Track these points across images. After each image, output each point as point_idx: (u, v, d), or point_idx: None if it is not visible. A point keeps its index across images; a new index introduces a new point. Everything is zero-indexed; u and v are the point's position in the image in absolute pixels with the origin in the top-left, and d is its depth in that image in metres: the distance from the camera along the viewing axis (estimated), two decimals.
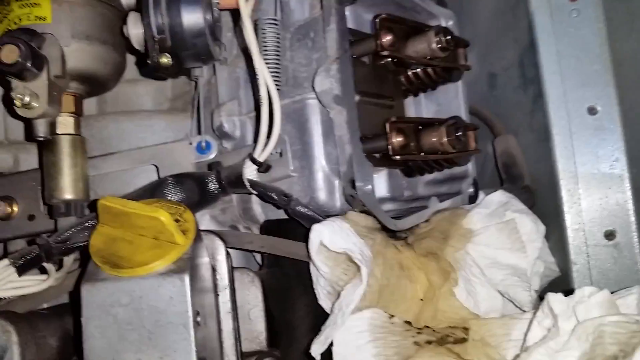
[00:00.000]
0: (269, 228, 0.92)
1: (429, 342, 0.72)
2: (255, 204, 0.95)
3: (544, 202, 1.02)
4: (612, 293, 0.74)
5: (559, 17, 0.98)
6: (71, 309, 0.86)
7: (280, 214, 0.90)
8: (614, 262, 0.93)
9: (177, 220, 0.70)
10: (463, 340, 0.73)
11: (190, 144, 0.94)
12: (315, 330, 0.78)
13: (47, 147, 0.91)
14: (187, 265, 0.67)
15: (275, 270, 0.91)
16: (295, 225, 0.84)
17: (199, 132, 1.01)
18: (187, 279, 0.66)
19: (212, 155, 0.94)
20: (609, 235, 0.94)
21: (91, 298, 0.67)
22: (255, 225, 0.97)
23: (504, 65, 1.14)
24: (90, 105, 1.12)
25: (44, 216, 0.94)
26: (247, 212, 0.95)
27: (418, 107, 1.06)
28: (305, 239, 0.78)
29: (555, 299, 0.68)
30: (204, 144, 0.95)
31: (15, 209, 0.96)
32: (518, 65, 1.07)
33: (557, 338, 0.65)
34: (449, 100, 1.03)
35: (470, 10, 1.27)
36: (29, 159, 1.07)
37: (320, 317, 0.78)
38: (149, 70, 0.79)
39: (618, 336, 0.63)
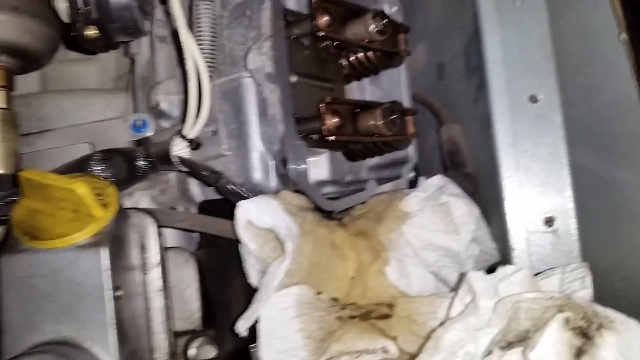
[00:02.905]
0: (205, 207, 0.92)
1: (352, 317, 0.72)
2: (193, 185, 0.94)
3: (486, 188, 1.03)
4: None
5: (503, 6, 0.99)
6: None
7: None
8: (553, 248, 0.94)
9: (99, 195, 0.69)
10: (387, 317, 0.74)
11: (126, 122, 0.93)
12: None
13: None
14: (106, 238, 0.66)
15: (212, 250, 0.91)
16: (231, 204, 0.84)
17: (135, 111, 0.99)
18: (104, 252, 0.65)
19: (148, 134, 0.93)
20: (548, 221, 0.94)
21: (10, 269, 0.66)
22: (194, 206, 0.96)
23: (451, 54, 1.14)
24: (32, 83, 1.10)
25: None
26: (186, 193, 0.95)
27: (362, 92, 1.06)
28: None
29: (475, 276, 0.69)
30: (139, 122, 0.94)
31: None
32: (464, 54, 1.08)
33: (477, 315, 0.66)
34: (391, 86, 1.04)
35: (422, 1, 1.27)
36: None
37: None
38: (76, 42, 0.77)
39: (532, 312, 0.64)
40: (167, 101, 0.94)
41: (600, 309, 0.65)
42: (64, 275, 0.65)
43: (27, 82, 0.99)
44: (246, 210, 0.74)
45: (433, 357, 0.64)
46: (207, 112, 0.80)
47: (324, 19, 0.86)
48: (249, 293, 0.81)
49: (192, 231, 0.92)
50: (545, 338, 0.62)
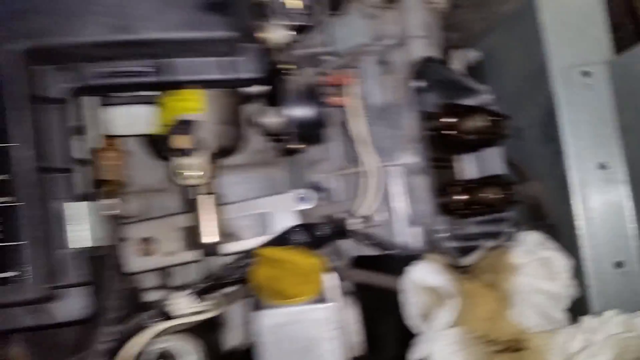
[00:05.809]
0: (360, 262, 1.19)
1: (496, 351, 0.99)
2: (344, 242, 1.21)
3: (565, 237, 1.24)
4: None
5: (574, 90, 1.21)
6: None
7: (365, 251, 1.18)
8: (623, 287, 1.18)
9: None
10: (519, 349, 1.00)
11: (295, 195, 1.23)
12: (399, 342, 1.05)
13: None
14: (325, 295, 0.95)
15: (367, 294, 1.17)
16: (381, 260, 1.12)
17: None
18: (332, 305, 0.93)
19: (310, 206, 1.22)
20: (618, 264, 1.17)
21: (261, 322, 0.95)
22: (344, 259, 1.23)
23: (529, 123, 1.35)
24: None
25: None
26: (336, 248, 1.22)
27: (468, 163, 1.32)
28: (389, 270, 1.07)
29: (588, 319, 0.96)
30: (303, 196, 1.23)
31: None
32: (540, 125, 1.30)
33: (592, 348, 0.93)
34: (490, 159, 1.29)
35: (494, 75, 1.49)
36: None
37: (401, 332, 1.04)
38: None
39: (634, 347, 0.91)
40: (323, 179, 1.24)
41: None
42: (302, 325, 0.94)
43: None
44: (413, 273, 1.01)
45: None
46: (379, 198, 1.08)
47: (448, 120, 1.13)
48: (396, 332, 1.07)
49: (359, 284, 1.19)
50: None
